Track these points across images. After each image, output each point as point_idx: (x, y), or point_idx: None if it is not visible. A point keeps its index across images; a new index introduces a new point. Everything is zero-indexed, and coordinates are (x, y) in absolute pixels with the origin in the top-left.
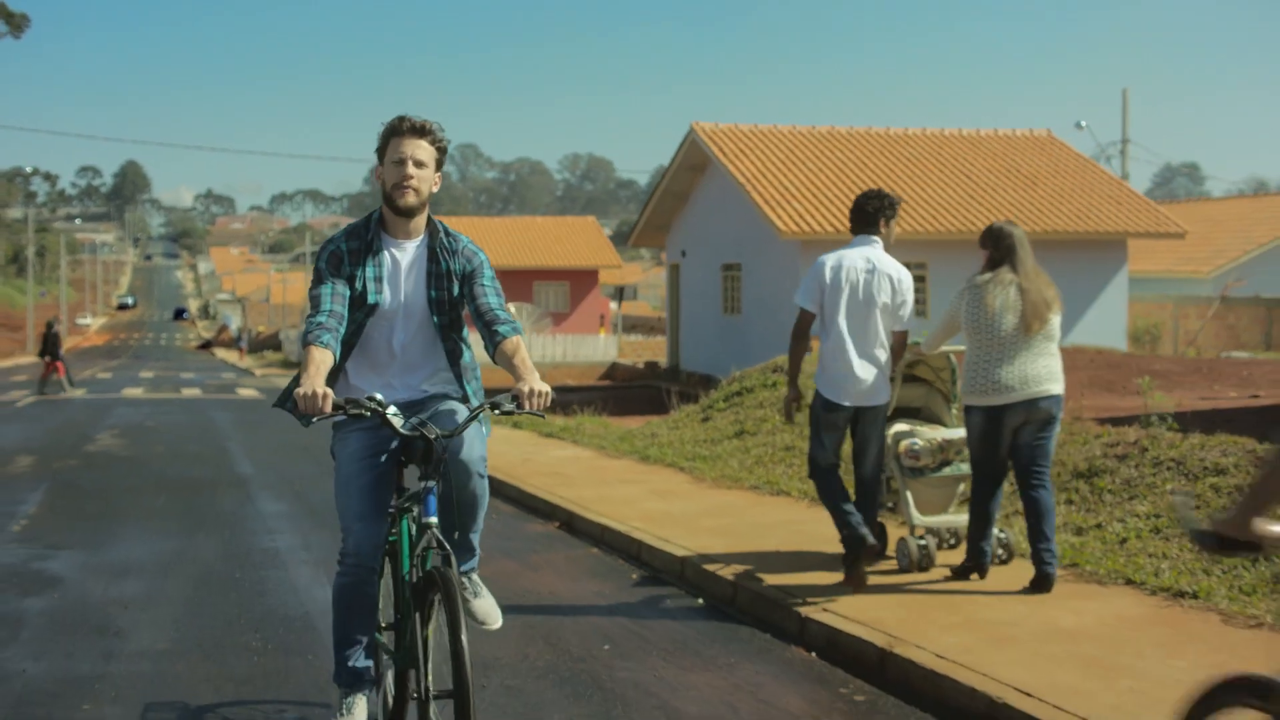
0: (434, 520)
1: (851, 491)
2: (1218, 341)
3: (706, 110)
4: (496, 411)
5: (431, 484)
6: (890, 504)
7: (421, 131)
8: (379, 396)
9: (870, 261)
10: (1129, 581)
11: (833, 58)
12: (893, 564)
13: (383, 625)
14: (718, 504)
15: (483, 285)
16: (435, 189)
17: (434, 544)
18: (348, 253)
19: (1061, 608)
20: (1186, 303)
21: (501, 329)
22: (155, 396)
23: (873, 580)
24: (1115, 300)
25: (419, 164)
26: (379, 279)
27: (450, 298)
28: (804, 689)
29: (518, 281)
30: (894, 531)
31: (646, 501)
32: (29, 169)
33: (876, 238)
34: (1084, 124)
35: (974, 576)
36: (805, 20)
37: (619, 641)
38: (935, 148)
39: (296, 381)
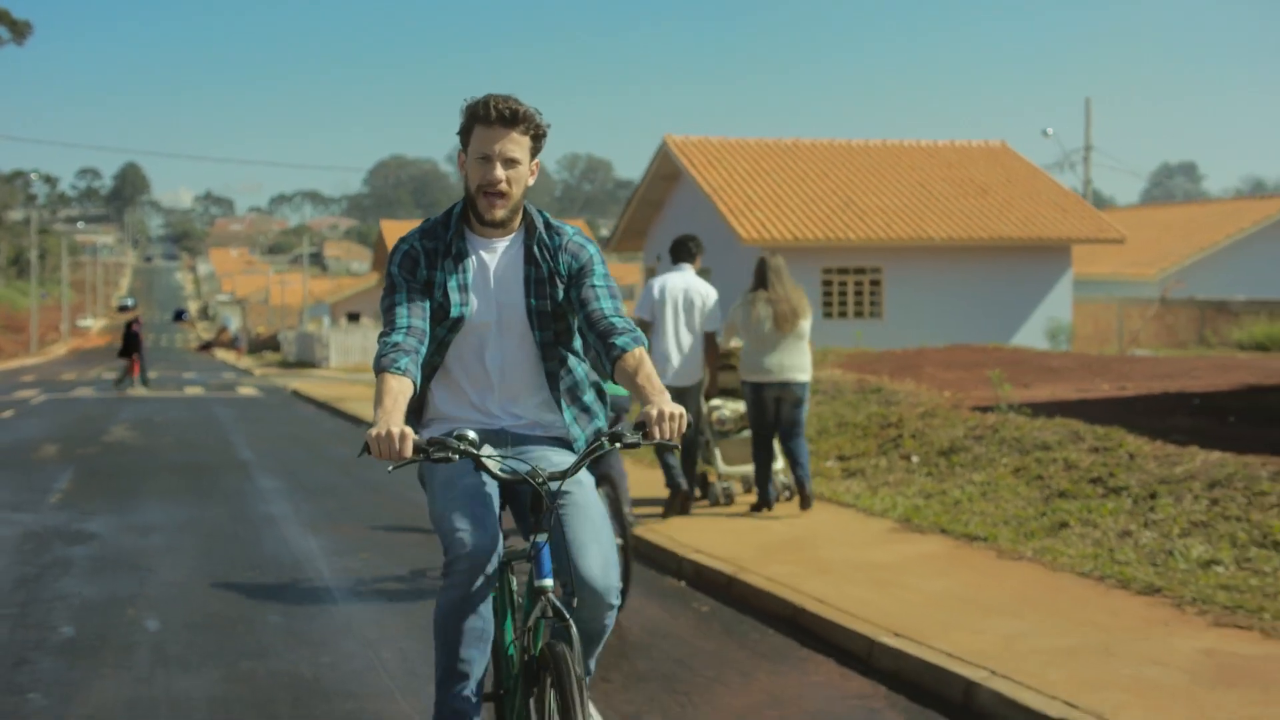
0: (549, 584)
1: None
2: (1158, 340)
3: (703, 111)
4: (619, 445)
5: (542, 539)
6: (706, 458)
7: (513, 120)
8: (470, 434)
9: (685, 282)
10: (943, 531)
11: (832, 62)
12: (705, 503)
13: (481, 694)
14: (634, 478)
15: (593, 287)
16: (532, 181)
17: (549, 613)
18: (424, 254)
19: (880, 550)
20: (1131, 304)
21: (619, 340)
22: (160, 395)
23: (695, 513)
24: (1060, 302)
25: (510, 162)
26: (464, 287)
27: (555, 306)
28: (668, 605)
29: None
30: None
31: None
32: (34, 174)
33: (689, 266)
34: (1050, 131)
35: (765, 510)
36: (805, 23)
37: None
38: (893, 158)
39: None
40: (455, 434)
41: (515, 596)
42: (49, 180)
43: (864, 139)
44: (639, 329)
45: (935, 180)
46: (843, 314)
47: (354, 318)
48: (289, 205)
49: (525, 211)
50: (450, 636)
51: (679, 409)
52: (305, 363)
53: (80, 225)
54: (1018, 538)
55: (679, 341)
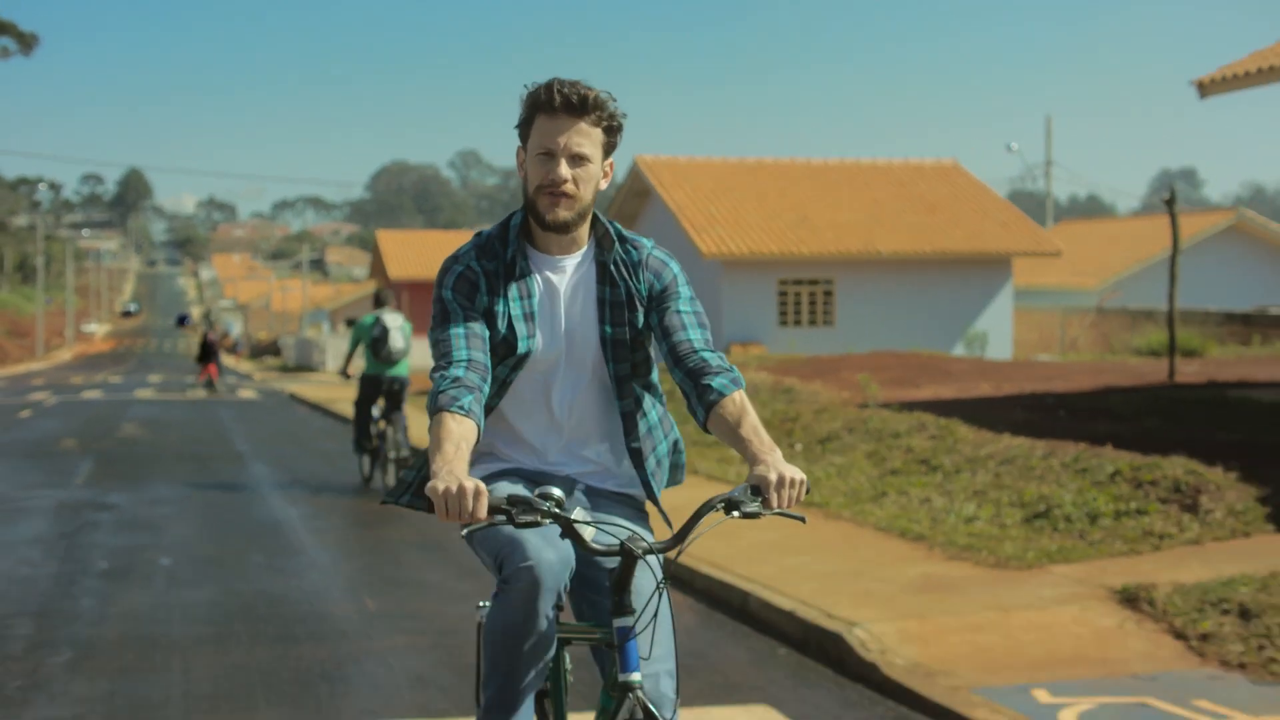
0: (638, 679)
1: None
2: (1094, 346)
3: (678, 126)
4: (736, 514)
5: (630, 622)
6: None
7: (582, 107)
8: (556, 491)
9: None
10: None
11: (803, 81)
12: None
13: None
14: None
15: (679, 313)
16: (605, 185)
17: (639, 716)
18: (484, 276)
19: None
20: (1073, 312)
21: (715, 382)
22: (164, 398)
23: None
24: (1002, 311)
25: (578, 158)
26: (529, 315)
27: (634, 334)
28: None
29: None
30: None
31: None
32: (40, 183)
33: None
34: (1014, 146)
35: None
36: (775, 41)
37: None
38: (848, 177)
39: (419, 469)
40: (540, 491)
41: (567, 675)
42: (53, 186)
43: (823, 158)
44: (734, 367)
45: (887, 197)
46: (797, 323)
47: (351, 323)
48: (291, 211)
49: (596, 221)
50: (498, 653)
51: (799, 473)
52: (304, 367)
53: (85, 233)
54: (846, 503)
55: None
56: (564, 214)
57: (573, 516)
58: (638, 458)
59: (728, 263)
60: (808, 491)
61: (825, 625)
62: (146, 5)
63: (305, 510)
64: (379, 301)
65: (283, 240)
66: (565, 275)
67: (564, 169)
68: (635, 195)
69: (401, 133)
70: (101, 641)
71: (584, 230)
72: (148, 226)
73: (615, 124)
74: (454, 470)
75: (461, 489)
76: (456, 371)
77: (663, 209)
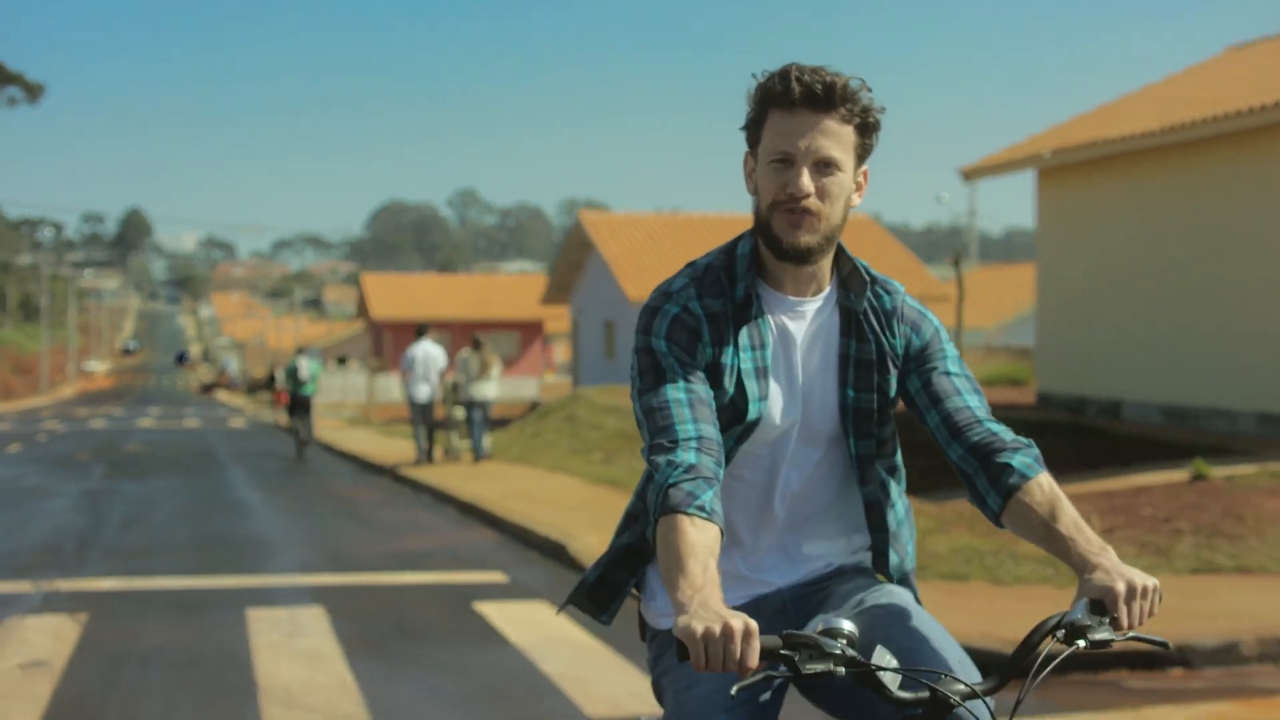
0: None
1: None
2: (983, 379)
3: (687, 152)
4: (1082, 644)
5: None
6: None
7: (828, 99)
8: (848, 628)
9: (428, 348)
10: (528, 463)
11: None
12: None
13: None
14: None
15: (948, 375)
16: (858, 200)
17: None
18: (706, 320)
19: (536, 484)
20: (969, 350)
21: (1015, 460)
22: (163, 425)
23: (435, 465)
24: None
25: (824, 165)
26: (761, 370)
27: (882, 402)
28: (403, 497)
29: (476, 332)
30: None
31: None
32: (45, 224)
33: (427, 339)
34: (944, 197)
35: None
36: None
37: (393, 501)
38: None
39: (602, 568)
40: (825, 627)
41: None
42: (55, 226)
43: (744, 213)
44: (1033, 442)
45: None
46: None
47: (342, 360)
48: (290, 250)
49: (841, 256)
50: None
51: (1150, 579)
52: None
53: (86, 273)
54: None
55: (429, 379)
56: (806, 237)
57: (874, 661)
58: (883, 561)
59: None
60: (1160, 600)
61: (554, 536)
62: (146, 45)
63: (266, 495)
64: (419, 332)
65: (281, 279)
66: (804, 323)
67: (806, 179)
68: (579, 245)
69: (399, 172)
70: (119, 548)
71: (826, 265)
72: (148, 265)
73: (871, 120)
74: (709, 603)
75: (728, 630)
76: (687, 456)
77: (599, 259)
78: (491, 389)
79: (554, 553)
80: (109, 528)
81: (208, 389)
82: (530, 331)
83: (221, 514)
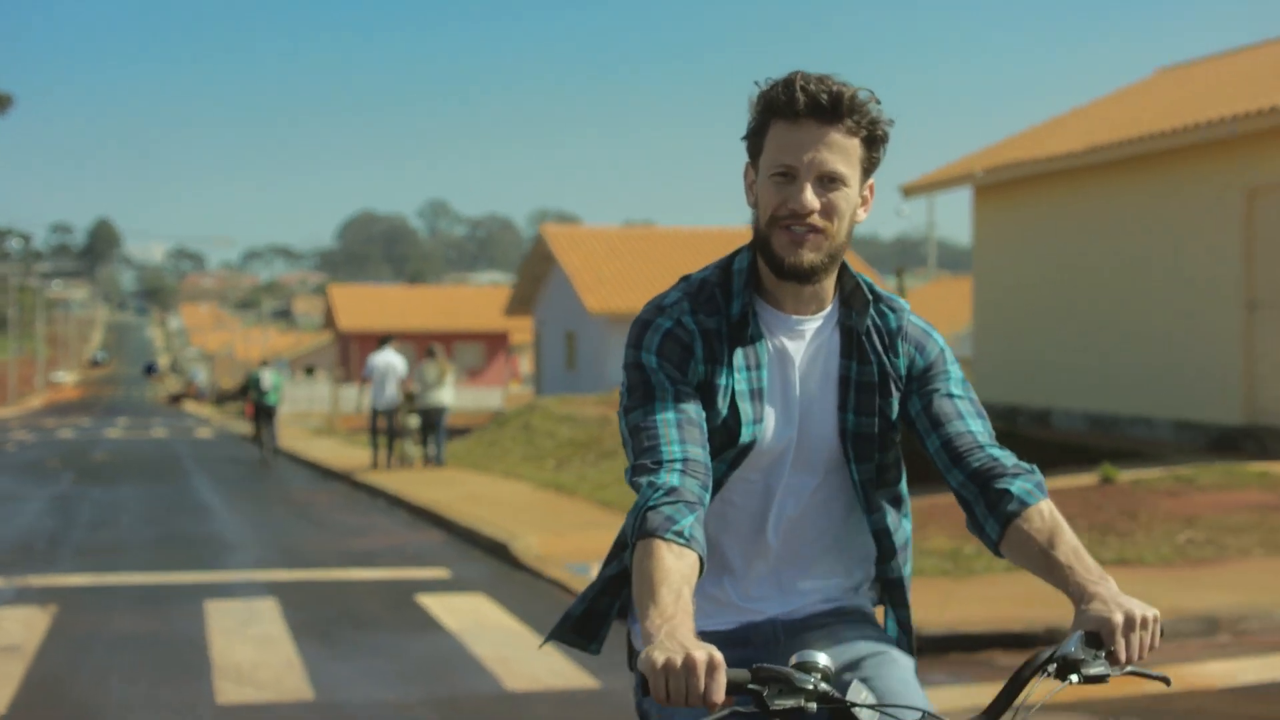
0: None
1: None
2: None
3: (660, 164)
4: (1074, 679)
5: None
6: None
7: (834, 110)
8: (822, 661)
9: (390, 357)
10: (479, 470)
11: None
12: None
13: None
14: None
15: (950, 397)
16: (863, 216)
17: None
18: (700, 336)
19: (487, 488)
20: None
21: (1014, 487)
22: (130, 435)
23: (392, 470)
24: None
25: (829, 179)
26: (756, 392)
27: (884, 426)
28: (360, 501)
29: (441, 344)
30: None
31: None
32: (14, 236)
33: (389, 347)
34: (903, 210)
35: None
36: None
37: (354, 506)
38: (726, 243)
39: (589, 600)
40: (798, 660)
41: None
42: (23, 237)
43: (706, 226)
44: (1035, 468)
45: None
46: None
47: (310, 371)
48: (260, 261)
49: (844, 273)
50: None
51: (1149, 609)
52: None
53: (55, 284)
54: (533, 473)
55: (389, 387)
56: (809, 256)
57: (850, 697)
58: (899, 592)
59: (613, 318)
60: (1162, 633)
61: (498, 536)
62: (115, 56)
63: (225, 498)
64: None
65: (251, 290)
66: (803, 343)
67: (809, 195)
68: (541, 259)
69: (370, 183)
70: (87, 547)
71: (829, 283)
72: (117, 276)
73: (879, 132)
74: (676, 633)
75: (689, 662)
76: (670, 479)
77: (560, 272)
78: (447, 395)
79: (497, 551)
80: (78, 529)
81: (176, 400)
82: (495, 342)
83: (185, 516)
